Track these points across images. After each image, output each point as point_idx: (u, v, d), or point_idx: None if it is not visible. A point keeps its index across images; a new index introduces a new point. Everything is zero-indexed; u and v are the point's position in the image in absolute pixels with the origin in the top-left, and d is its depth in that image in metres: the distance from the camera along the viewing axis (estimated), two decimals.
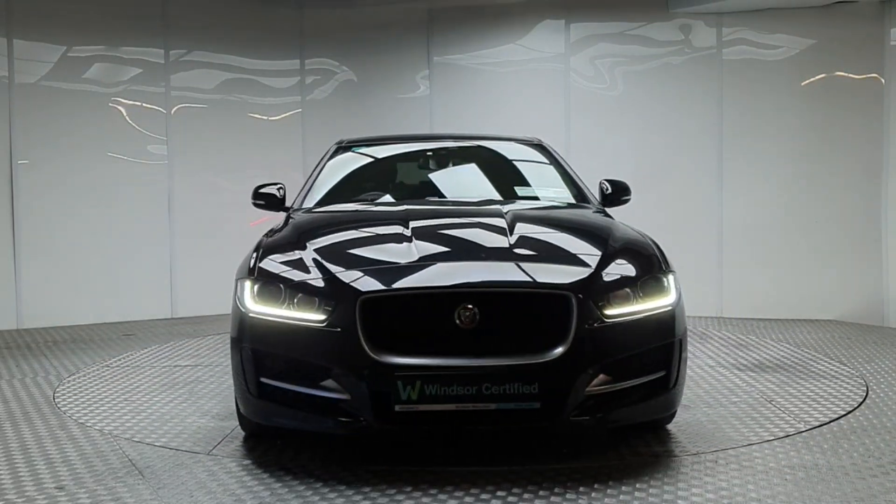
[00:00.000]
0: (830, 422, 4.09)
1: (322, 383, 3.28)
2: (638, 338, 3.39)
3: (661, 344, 3.44)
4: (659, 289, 3.50)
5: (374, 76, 8.59)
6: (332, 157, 5.21)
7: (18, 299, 7.30)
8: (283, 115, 8.52)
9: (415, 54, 8.44)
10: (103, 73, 7.70)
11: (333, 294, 3.31)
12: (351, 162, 5.27)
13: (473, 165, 5.34)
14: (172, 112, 7.95)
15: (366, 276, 3.37)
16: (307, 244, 3.70)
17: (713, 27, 7.62)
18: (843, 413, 4.26)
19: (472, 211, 4.37)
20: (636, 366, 3.39)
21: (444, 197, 4.82)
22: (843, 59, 7.28)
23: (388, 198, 4.82)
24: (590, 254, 3.61)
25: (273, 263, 3.61)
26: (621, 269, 3.52)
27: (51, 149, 7.44)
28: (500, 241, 3.67)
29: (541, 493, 3.12)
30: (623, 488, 3.17)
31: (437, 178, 5.14)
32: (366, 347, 3.18)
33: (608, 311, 3.31)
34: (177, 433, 4.00)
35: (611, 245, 3.69)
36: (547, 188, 4.90)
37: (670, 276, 3.59)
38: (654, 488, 3.17)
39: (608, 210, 4.71)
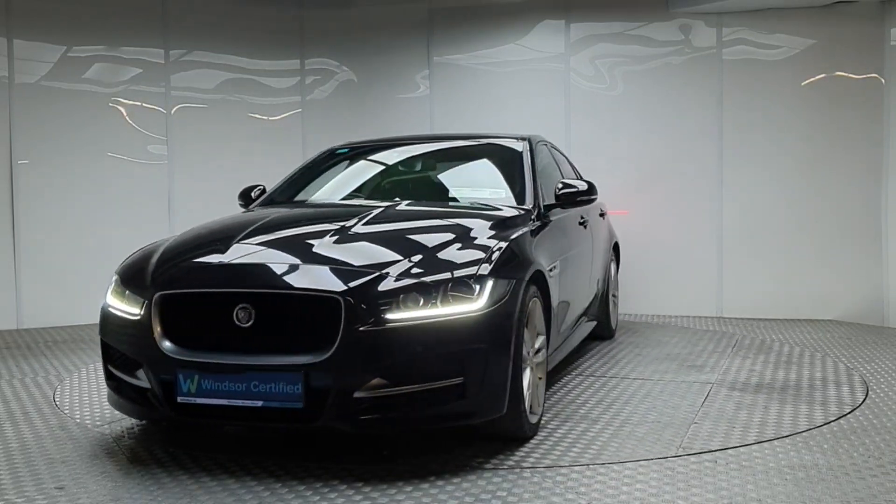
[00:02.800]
0: (830, 422, 4.10)
1: (136, 373, 3.57)
2: (426, 343, 3.30)
3: (458, 350, 3.35)
4: (463, 295, 3.39)
5: (374, 76, 8.59)
6: (313, 159, 5.49)
7: (18, 299, 7.30)
8: (283, 115, 8.52)
9: (415, 54, 8.44)
10: (103, 73, 7.70)
11: (144, 291, 3.58)
12: (324, 164, 5.40)
13: (431, 167, 5.36)
14: (172, 112, 7.95)
15: (168, 275, 3.63)
16: (166, 241, 4.05)
17: (713, 27, 7.62)
18: (843, 413, 4.26)
19: (335, 213, 4.38)
20: (423, 371, 3.31)
21: (390, 198, 4.85)
22: (843, 59, 7.28)
23: (325, 198, 4.98)
24: (391, 258, 3.55)
25: (132, 259, 3.97)
26: (423, 273, 3.44)
27: (51, 149, 7.44)
28: (314, 244, 3.70)
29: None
30: (623, 488, 3.18)
31: (389, 180, 5.25)
32: (157, 341, 3.43)
33: (391, 315, 3.27)
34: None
35: (432, 249, 3.66)
36: (488, 189, 4.87)
37: (488, 283, 3.45)
38: (653, 488, 3.17)
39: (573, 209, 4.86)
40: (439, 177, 5.27)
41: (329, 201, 4.96)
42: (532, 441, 3.78)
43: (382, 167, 5.40)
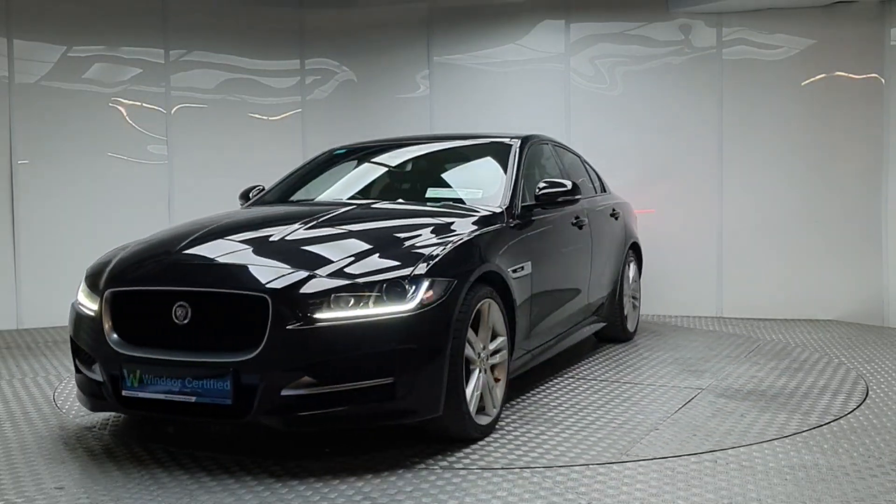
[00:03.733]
0: (830, 422, 4.10)
1: (93, 367, 3.72)
2: (355, 343, 3.34)
3: (388, 351, 3.37)
4: (395, 296, 3.42)
5: (374, 76, 8.59)
6: (310, 160, 5.62)
7: (18, 299, 7.30)
8: (283, 115, 8.52)
9: (415, 54, 8.44)
10: (103, 73, 7.70)
11: (98, 288, 3.76)
12: (319, 165, 5.50)
13: (417, 168, 5.38)
14: (172, 112, 7.95)
15: (120, 273, 3.76)
16: (134, 242, 4.18)
17: (713, 27, 7.62)
18: (843, 413, 4.26)
19: (299, 213, 4.39)
20: (351, 370, 3.35)
21: (369, 197, 4.96)
22: (843, 59, 7.28)
23: (308, 197, 5.08)
24: (328, 258, 3.60)
25: (100, 258, 4.11)
26: (356, 274, 3.47)
27: (51, 149, 7.44)
28: (255, 246, 3.82)
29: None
30: (623, 488, 3.18)
31: (372, 180, 5.30)
32: (107, 336, 3.59)
33: (319, 315, 3.32)
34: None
35: (374, 249, 3.69)
36: (467, 189, 4.89)
37: (423, 284, 3.47)
38: (653, 488, 3.17)
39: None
40: (423, 176, 5.27)
41: (305, 200, 5.01)
42: (481, 441, 3.76)
43: (370, 167, 5.45)
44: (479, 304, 3.76)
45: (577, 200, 4.86)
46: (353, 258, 3.59)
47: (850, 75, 7.29)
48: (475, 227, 4.12)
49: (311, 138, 8.44)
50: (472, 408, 3.70)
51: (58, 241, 7.45)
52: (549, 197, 4.72)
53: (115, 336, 3.59)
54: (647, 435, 3.88)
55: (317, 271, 3.47)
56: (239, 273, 3.56)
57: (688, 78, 7.71)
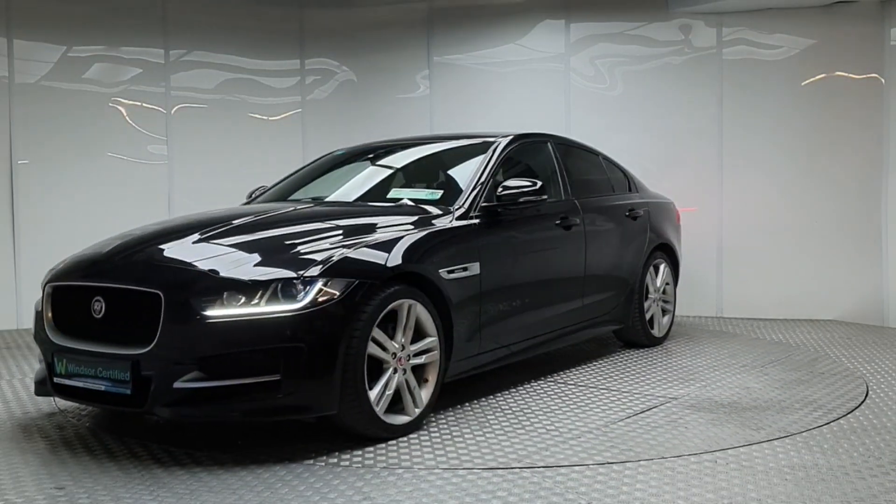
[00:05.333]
0: (830, 422, 4.10)
1: (42, 356, 4.01)
2: (244, 340, 3.45)
3: (275, 348, 3.45)
4: (287, 295, 3.52)
5: (374, 76, 8.59)
6: (312, 161, 5.79)
7: (18, 299, 7.30)
8: (283, 115, 8.52)
9: (415, 54, 8.44)
10: (103, 73, 7.71)
11: (42, 284, 4.08)
12: (314, 166, 5.68)
13: (398, 167, 5.42)
14: (172, 112, 7.95)
15: (61, 270, 4.04)
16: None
17: (713, 27, 7.62)
18: (843, 413, 4.26)
19: (237, 213, 4.51)
20: (240, 366, 3.46)
21: (328, 196, 5.10)
22: (843, 59, 7.28)
23: (276, 198, 5.28)
24: (225, 259, 3.74)
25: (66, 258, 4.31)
26: (250, 273, 3.59)
27: (51, 149, 7.44)
28: (169, 246, 3.97)
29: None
30: (623, 488, 3.18)
31: (343, 180, 5.38)
32: (46, 327, 3.91)
33: (210, 312, 3.46)
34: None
35: (280, 249, 3.83)
36: (430, 189, 4.92)
37: (316, 284, 3.56)
38: (653, 488, 3.17)
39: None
40: (396, 177, 5.30)
41: (265, 201, 5.23)
42: (391, 441, 3.78)
43: (353, 168, 5.53)
44: (392, 305, 3.78)
45: (544, 200, 4.77)
46: (257, 258, 3.73)
47: (850, 75, 7.29)
48: (410, 227, 4.19)
49: (311, 138, 8.44)
50: (380, 407, 3.74)
51: (58, 241, 7.43)
52: (511, 197, 4.67)
53: (51, 327, 3.90)
54: (566, 444, 3.73)
55: (212, 269, 3.63)
56: (141, 270, 3.78)
57: (688, 78, 7.71)
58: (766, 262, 7.51)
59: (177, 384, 3.44)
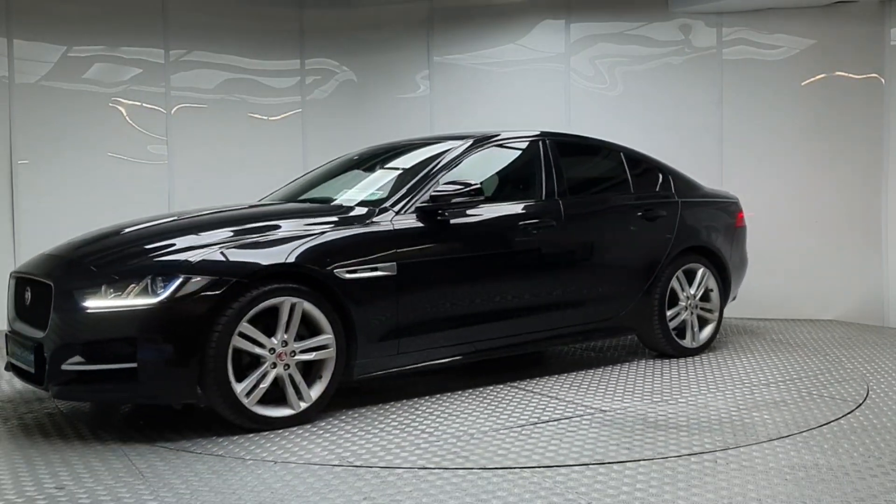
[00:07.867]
0: (830, 422, 4.10)
1: None
2: (109, 329, 3.83)
3: (133, 338, 3.79)
4: (153, 290, 3.85)
5: (374, 76, 8.58)
6: (323, 165, 5.93)
7: None
8: (283, 115, 8.51)
9: (415, 54, 8.44)
10: (103, 73, 7.70)
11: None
12: (318, 169, 5.88)
13: (357, 168, 5.56)
14: (172, 112, 7.95)
15: (24, 263, 4.52)
16: None
17: (713, 27, 7.62)
18: (843, 413, 4.26)
19: (178, 214, 4.90)
20: (106, 353, 3.83)
21: (286, 199, 5.34)
22: (843, 59, 7.28)
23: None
24: (117, 255, 4.14)
25: None
26: (123, 269, 3.97)
27: (51, 149, 7.44)
28: (86, 241, 4.46)
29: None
30: (623, 488, 3.18)
31: (308, 184, 5.54)
32: (7, 313, 4.42)
33: (86, 303, 3.86)
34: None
35: (162, 250, 4.10)
36: (372, 190, 5.01)
37: (175, 280, 3.85)
38: (654, 488, 3.17)
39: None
40: (354, 179, 5.38)
41: (233, 202, 5.46)
42: (265, 433, 3.94)
43: (332, 169, 5.67)
44: (267, 302, 3.96)
45: (480, 202, 4.74)
46: (142, 256, 4.06)
47: (850, 75, 7.29)
48: (324, 228, 4.35)
49: (311, 138, 8.44)
50: (251, 399, 3.94)
51: (58, 241, 7.39)
52: (444, 199, 4.64)
53: (9, 313, 4.41)
54: (454, 445, 3.72)
55: (97, 265, 4.05)
56: (48, 263, 4.25)
57: (688, 78, 7.71)
58: (767, 262, 7.50)
59: (64, 366, 3.85)
